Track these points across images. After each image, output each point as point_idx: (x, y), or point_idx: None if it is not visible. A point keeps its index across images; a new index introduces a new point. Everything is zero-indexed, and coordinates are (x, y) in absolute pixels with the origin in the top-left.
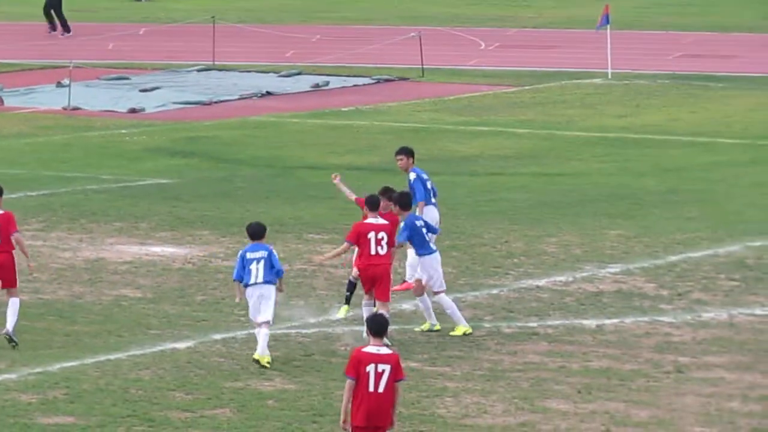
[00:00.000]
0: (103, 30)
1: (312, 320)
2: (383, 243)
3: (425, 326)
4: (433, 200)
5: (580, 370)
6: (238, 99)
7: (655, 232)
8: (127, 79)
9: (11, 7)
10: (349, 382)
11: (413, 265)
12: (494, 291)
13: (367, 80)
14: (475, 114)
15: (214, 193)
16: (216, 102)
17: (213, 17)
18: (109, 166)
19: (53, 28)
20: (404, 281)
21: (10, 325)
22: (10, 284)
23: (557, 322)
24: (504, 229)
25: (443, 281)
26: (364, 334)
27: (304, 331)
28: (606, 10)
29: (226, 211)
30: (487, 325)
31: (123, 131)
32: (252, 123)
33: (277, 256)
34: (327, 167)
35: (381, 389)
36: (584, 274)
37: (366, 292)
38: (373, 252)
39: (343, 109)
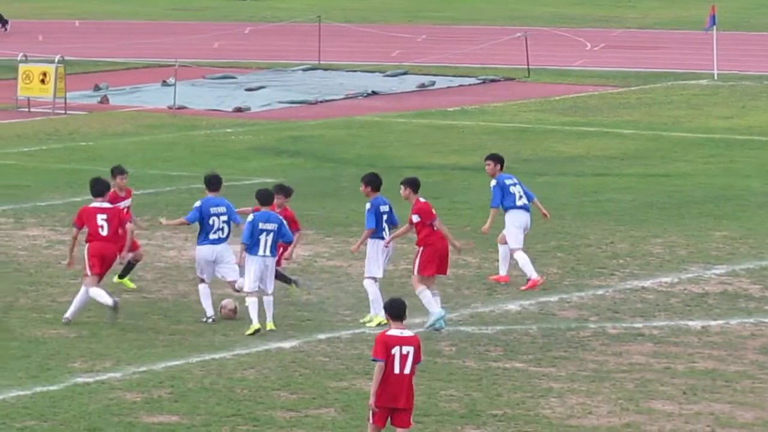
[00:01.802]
0: (208, 29)
1: (417, 320)
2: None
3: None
4: (519, 203)
5: (685, 372)
6: (344, 98)
7: (760, 233)
8: (233, 78)
9: (116, 5)
10: (379, 365)
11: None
12: (599, 292)
13: (472, 80)
14: (581, 114)
15: (318, 193)
16: (321, 101)
17: (318, 16)
18: (214, 165)
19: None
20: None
21: (70, 313)
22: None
23: (662, 323)
24: (609, 229)
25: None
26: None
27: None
28: (713, 11)
29: (331, 211)
30: (592, 325)
31: (228, 130)
32: (357, 122)
33: (287, 228)
34: (432, 167)
35: (406, 371)
36: (689, 276)
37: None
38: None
39: (449, 109)
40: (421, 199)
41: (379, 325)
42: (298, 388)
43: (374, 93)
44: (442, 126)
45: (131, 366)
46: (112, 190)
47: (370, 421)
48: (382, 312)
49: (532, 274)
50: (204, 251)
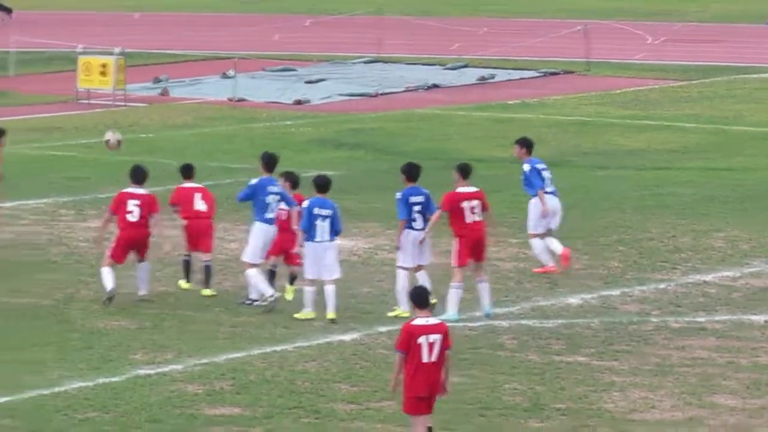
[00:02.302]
0: (268, 21)
1: (478, 313)
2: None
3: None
4: (549, 189)
5: (748, 366)
6: (404, 91)
7: None
8: (293, 70)
9: None
10: (399, 356)
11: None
12: (661, 285)
13: (532, 73)
14: (642, 108)
15: (379, 185)
16: (381, 94)
17: (379, 9)
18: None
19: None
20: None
21: (145, 290)
22: (142, 254)
23: (725, 318)
24: (671, 223)
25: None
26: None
27: (471, 324)
28: None
29: (391, 203)
30: (654, 319)
31: (288, 123)
32: (417, 115)
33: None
34: (492, 160)
35: (435, 358)
36: (752, 270)
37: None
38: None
39: (509, 102)
40: (460, 189)
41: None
42: (359, 380)
43: (434, 86)
44: (502, 119)
45: (193, 358)
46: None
47: (405, 410)
48: (404, 305)
49: (549, 261)
50: (266, 229)
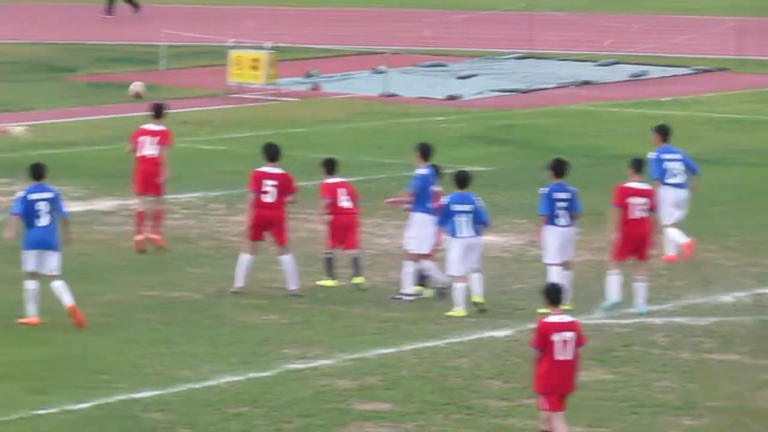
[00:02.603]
0: (420, 17)
1: (631, 310)
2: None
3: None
4: (672, 181)
5: None
6: (555, 87)
7: None
8: (444, 66)
9: None
10: (536, 353)
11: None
12: None
13: (685, 70)
14: None
15: (531, 182)
16: (533, 90)
17: (530, 5)
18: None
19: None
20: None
21: (293, 284)
22: (279, 240)
23: None
24: None
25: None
26: None
27: (623, 321)
28: None
29: None
30: None
31: (439, 118)
32: (569, 111)
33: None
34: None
35: (569, 356)
36: None
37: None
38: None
39: (662, 99)
40: (631, 185)
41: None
42: (510, 377)
43: (586, 82)
44: (655, 116)
45: (343, 353)
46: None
47: (543, 407)
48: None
49: (671, 251)
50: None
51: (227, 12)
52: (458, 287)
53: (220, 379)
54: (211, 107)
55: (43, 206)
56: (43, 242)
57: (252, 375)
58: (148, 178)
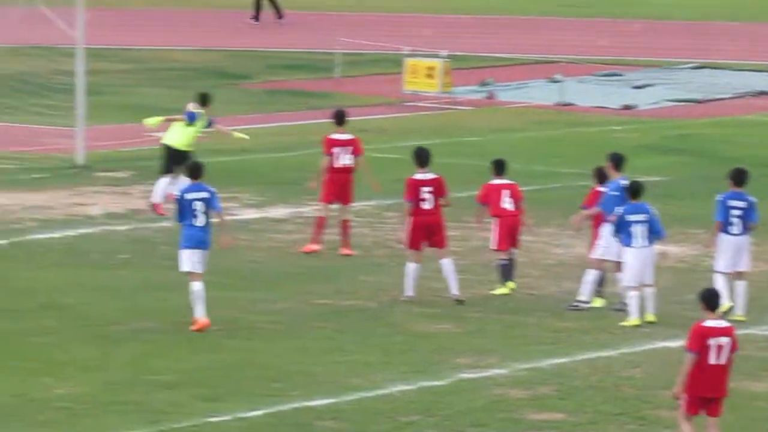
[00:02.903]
0: (596, 26)
1: None
2: None
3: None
4: None
5: None
6: (732, 97)
7: None
8: (620, 75)
9: (507, 2)
10: (691, 356)
11: None
12: None
13: None
14: None
15: (706, 192)
16: (709, 100)
17: (705, 14)
18: (600, 162)
19: (256, 18)
20: None
21: (455, 289)
22: (440, 245)
23: None
24: None
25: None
26: None
27: None
28: None
29: None
30: None
31: (615, 128)
32: (745, 122)
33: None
34: None
35: (722, 361)
36: None
37: None
38: None
39: None
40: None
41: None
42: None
43: (762, 93)
44: None
45: (516, 362)
46: None
47: (682, 410)
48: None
49: None
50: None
51: (403, 20)
52: (633, 296)
53: (393, 388)
54: (386, 115)
55: (199, 206)
56: (200, 242)
57: (424, 384)
58: (340, 188)
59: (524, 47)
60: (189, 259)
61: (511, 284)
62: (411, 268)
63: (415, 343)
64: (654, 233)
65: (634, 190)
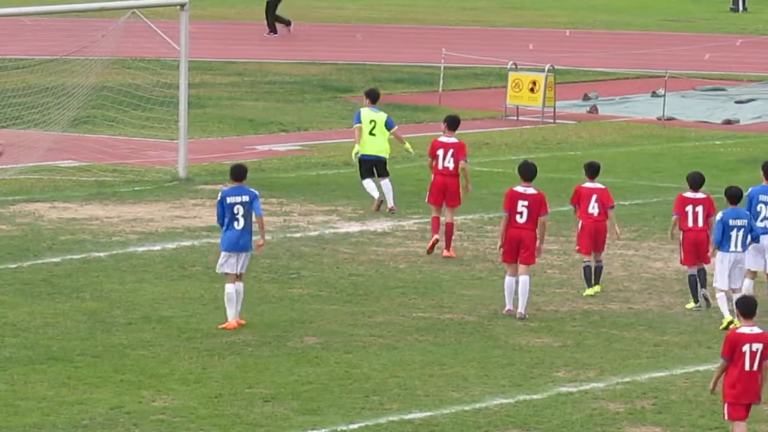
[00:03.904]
0: (699, 40)
1: None
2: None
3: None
4: None
5: None
6: None
7: None
8: (723, 90)
9: (610, 16)
10: (723, 362)
11: None
12: None
13: None
14: None
15: None
16: None
17: None
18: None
19: (273, 30)
20: None
21: (521, 306)
22: (526, 260)
23: None
24: None
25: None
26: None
27: None
28: None
29: None
30: None
31: (717, 142)
32: None
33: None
34: None
35: (755, 367)
36: None
37: None
38: None
39: None
40: None
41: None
42: None
43: None
44: None
45: (615, 376)
46: None
47: (729, 417)
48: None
49: None
50: None
51: (506, 34)
52: (720, 296)
53: (491, 402)
54: (489, 129)
55: (240, 209)
56: (239, 245)
57: (522, 397)
58: (444, 190)
59: (627, 62)
60: (226, 262)
61: (596, 288)
62: (508, 281)
63: (514, 356)
64: (752, 238)
65: (734, 196)
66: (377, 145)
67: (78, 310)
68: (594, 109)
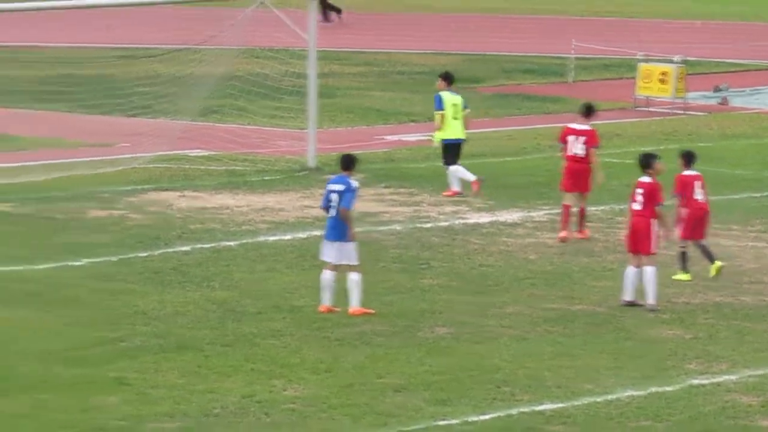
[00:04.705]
0: None
1: None
2: None
3: None
4: None
5: None
6: None
7: None
8: None
9: (742, 6)
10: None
11: None
12: None
13: None
14: None
15: None
16: None
17: None
18: None
19: (326, 18)
20: None
21: (651, 298)
22: (645, 250)
23: None
24: None
25: None
26: None
27: None
28: None
29: None
30: None
31: None
32: None
33: None
34: None
35: None
36: None
37: None
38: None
39: None
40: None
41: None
42: None
43: None
44: None
45: (748, 369)
46: None
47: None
48: None
49: None
50: None
51: (636, 25)
52: None
53: (622, 393)
54: (619, 120)
55: (334, 198)
56: (331, 233)
57: (654, 389)
58: (576, 177)
59: (758, 53)
60: (323, 248)
61: (687, 275)
62: (628, 271)
63: (645, 348)
64: None
65: None
66: (460, 128)
67: (208, 299)
68: (724, 101)
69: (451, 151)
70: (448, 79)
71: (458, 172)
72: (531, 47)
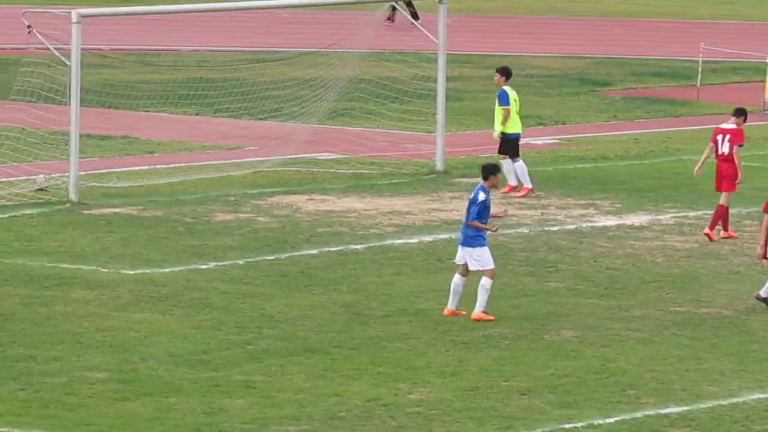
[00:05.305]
0: None
1: None
2: None
3: None
4: None
5: None
6: None
7: None
8: None
9: None
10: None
11: None
12: None
13: None
14: None
15: None
16: None
17: None
18: None
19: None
20: None
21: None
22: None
23: None
24: None
25: None
26: None
27: None
28: None
29: None
30: None
31: None
32: None
33: None
34: None
35: None
36: None
37: None
38: None
39: None
40: None
41: None
42: None
43: None
44: None
45: None
46: None
47: None
48: None
49: None
50: None
51: (766, 28)
52: None
53: (748, 396)
54: (748, 123)
55: (467, 207)
56: (462, 239)
57: None
58: (720, 175)
59: None
60: (458, 254)
61: None
62: None
63: None
64: None
65: None
66: (520, 123)
67: (335, 302)
68: None
69: (514, 144)
70: (507, 74)
71: (524, 170)
72: (660, 51)
